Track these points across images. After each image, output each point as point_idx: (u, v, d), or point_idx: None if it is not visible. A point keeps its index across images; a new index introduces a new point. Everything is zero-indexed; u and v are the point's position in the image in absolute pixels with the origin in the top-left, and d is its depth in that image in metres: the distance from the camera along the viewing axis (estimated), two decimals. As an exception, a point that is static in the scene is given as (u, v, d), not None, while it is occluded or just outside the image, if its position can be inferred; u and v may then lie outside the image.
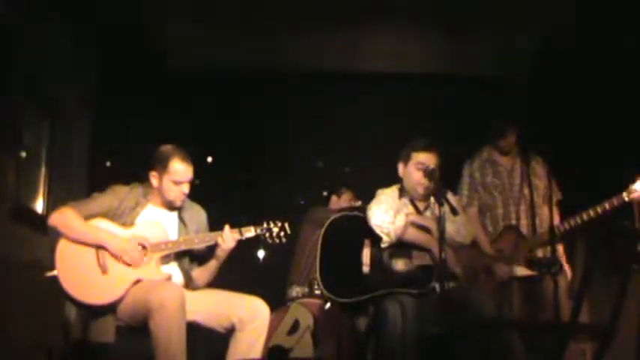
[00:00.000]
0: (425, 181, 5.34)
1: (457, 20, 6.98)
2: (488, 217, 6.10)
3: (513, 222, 5.95)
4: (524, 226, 5.94)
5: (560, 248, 5.85)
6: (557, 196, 6.04)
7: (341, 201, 7.29)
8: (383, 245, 5.32)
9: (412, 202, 5.53)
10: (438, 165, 5.37)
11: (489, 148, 6.22)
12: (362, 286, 5.28)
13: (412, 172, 5.43)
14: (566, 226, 5.63)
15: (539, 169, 6.04)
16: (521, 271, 5.71)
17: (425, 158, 5.38)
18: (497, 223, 6.04)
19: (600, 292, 5.44)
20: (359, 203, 6.76)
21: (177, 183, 5.03)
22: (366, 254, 5.36)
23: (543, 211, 5.96)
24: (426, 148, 5.41)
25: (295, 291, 6.85)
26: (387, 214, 5.34)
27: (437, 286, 5.07)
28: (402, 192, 5.54)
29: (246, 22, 6.98)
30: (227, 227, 5.09)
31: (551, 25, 6.94)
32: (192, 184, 5.12)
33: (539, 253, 5.78)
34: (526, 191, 5.91)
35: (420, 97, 7.86)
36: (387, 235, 5.29)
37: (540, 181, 6.01)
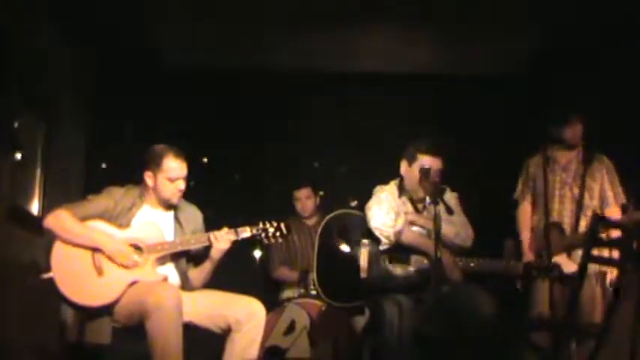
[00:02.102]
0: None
1: (457, 20, 6.95)
2: (536, 213, 6.05)
3: (557, 220, 5.89)
4: (567, 225, 5.88)
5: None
6: (617, 199, 5.92)
7: (300, 194, 7.35)
8: (382, 247, 5.30)
9: (411, 200, 5.50)
10: (443, 168, 5.33)
11: (553, 145, 6.15)
12: (359, 290, 5.26)
13: (416, 174, 5.38)
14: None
15: (598, 170, 5.93)
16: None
17: (430, 161, 5.32)
18: (541, 220, 5.97)
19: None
20: (354, 203, 6.76)
21: (172, 180, 5.04)
22: (364, 257, 5.33)
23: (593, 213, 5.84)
24: (432, 151, 5.35)
25: (289, 293, 6.88)
26: (388, 216, 5.31)
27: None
28: (402, 190, 5.51)
29: (245, 21, 6.96)
30: (225, 229, 5.09)
31: (551, 25, 6.91)
32: (188, 183, 5.13)
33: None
34: (576, 191, 5.87)
35: (420, 97, 7.85)
36: (387, 237, 5.26)
37: (596, 183, 5.90)
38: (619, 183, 5.94)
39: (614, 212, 5.82)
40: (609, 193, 5.90)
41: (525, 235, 6.01)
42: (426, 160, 5.33)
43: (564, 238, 5.74)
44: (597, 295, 5.61)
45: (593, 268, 5.67)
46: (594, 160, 5.90)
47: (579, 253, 5.65)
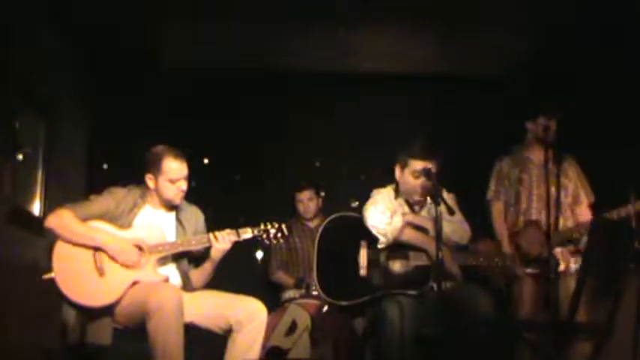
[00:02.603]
0: (420, 190, 5.32)
1: (457, 20, 6.94)
2: (511, 212, 6.07)
3: (535, 218, 5.92)
4: (545, 223, 5.89)
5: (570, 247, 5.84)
6: (589, 198, 6.02)
7: (302, 196, 7.35)
8: (380, 246, 5.31)
9: (407, 202, 5.51)
10: (437, 171, 5.30)
11: (521, 145, 6.19)
12: (359, 288, 5.27)
13: (409, 180, 5.39)
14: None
15: (570, 169, 6.02)
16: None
17: (423, 166, 5.30)
18: (517, 218, 6.03)
19: (598, 291, 5.46)
20: (356, 204, 6.77)
21: (173, 181, 5.03)
22: (363, 256, 5.34)
23: (569, 212, 5.96)
24: (424, 156, 5.32)
25: (291, 293, 6.88)
26: (384, 214, 5.31)
27: (434, 286, 5.04)
28: (398, 193, 5.52)
29: (245, 21, 6.95)
30: (227, 230, 5.08)
31: (551, 25, 6.91)
32: (189, 183, 5.12)
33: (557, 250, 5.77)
34: (552, 189, 5.90)
35: (420, 97, 7.85)
36: (384, 235, 5.27)
37: (570, 182, 5.99)
38: (587, 181, 6.07)
39: (585, 210, 5.98)
40: (581, 191, 6.00)
41: (504, 234, 6.02)
42: (418, 166, 5.33)
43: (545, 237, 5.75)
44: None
45: (573, 266, 5.74)
46: (564, 160, 5.94)
47: (558, 250, 5.72)
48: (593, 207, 6.03)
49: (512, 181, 6.10)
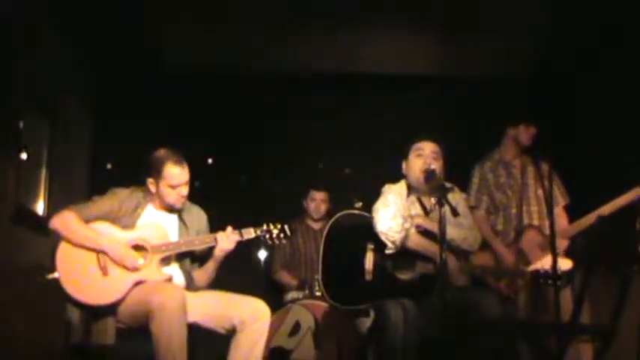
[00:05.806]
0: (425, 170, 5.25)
1: (458, 21, 6.95)
2: (501, 216, 6.07)
3: (526, 222, 5.93)
4: (541, 226, 5.91)
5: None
6: (565, 200, 6.04)
7: (317, 196, 7.39)
8: (387, 252, 5.24)
9: (420, 200, 5.44)
10: (437, 152, 5.29)
11: (501, 149, 6.21)
12: (364, 293, 5.24)
13: (412, 161, 5.34)
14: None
15: (546, 171, 5.97)
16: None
17: (423, 145, 5.31)
18: (509, 223, 6.04)
19: (601, 293, 5.46)
20: (359, 204, 6.76)
21: (174, 187, 5.03)
22: (369, 260, 5.28)
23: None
24: (422, 136, 5.33)
25: (294, 294, 6.89)
26: (395, 220, 5.19)
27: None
28: (410, 189, 5.46)
29: (246, 22, 6.96)
30: (229, 228, 5.09)
31: (551, 26, 6.92)
32: (191, 185, 5.12)
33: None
34: (540, 192, 5.90)
35: (421, 97, 7.85)
36: (393, 243, 5.19)
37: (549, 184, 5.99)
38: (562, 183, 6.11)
39: (561, 212, 6.02)
40: (557, 193, 6.00)
41: (496, 240, 5.99)
42: (419, 145, 5.32)
43: (545, 238, 5.75)
44: (567, 295, 5.62)
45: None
46: (541, 163, 5.95)
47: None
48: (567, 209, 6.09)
49: (498, 187, 6.11)
